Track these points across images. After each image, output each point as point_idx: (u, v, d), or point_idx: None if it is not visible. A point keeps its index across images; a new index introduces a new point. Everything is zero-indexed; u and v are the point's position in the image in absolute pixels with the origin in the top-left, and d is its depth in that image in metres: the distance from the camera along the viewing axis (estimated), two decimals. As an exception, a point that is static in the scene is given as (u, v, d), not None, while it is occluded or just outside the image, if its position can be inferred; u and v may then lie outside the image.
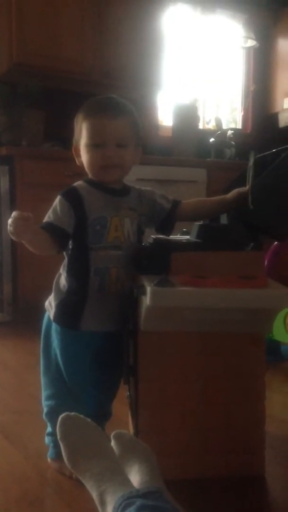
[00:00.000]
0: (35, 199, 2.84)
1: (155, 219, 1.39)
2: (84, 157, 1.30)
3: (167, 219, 1.39)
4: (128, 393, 1.37)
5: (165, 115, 3.91)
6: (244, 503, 1.25)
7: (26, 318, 2.74)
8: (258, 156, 1.42)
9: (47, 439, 1.40)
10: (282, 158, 1.33)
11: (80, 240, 1.27)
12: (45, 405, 1.39)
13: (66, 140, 3.13)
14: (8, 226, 1.15)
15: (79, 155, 1.32)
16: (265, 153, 1.43)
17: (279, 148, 1.41)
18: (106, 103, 1.30)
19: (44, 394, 1.39)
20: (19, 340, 2.54)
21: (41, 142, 3.13)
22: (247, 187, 1.32)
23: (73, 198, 1.27)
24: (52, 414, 1.33)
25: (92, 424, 1.15)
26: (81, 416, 1.15)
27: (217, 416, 1.32)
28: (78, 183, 1.33)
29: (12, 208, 2.82)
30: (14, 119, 3.08)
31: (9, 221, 1.15)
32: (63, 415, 1.15)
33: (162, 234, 1.41)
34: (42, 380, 1.40)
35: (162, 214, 1.38)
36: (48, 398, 1.38)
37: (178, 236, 1.46)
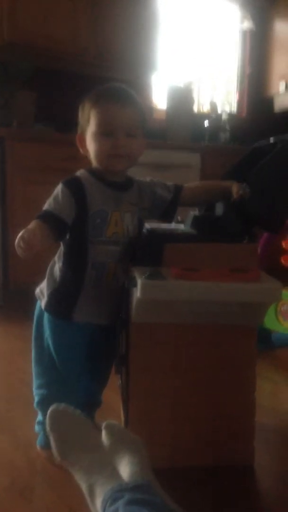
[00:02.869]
0: (25, 181, 2.81)
1: (156, 211, 1.37)
2: (91, 145, 1.27)
3: (168, 208, 1.38)
4: (120, 382, 1.37)
5: (159, 98, 3.85)
6: (232, 492, 1.26)
7: (17, 303, 2.73)
8: (255, 145, 1.40)
9: (37, 427, 1.40)
10: (278, 148, 1.31)
11: (80, 232, 1.25)
12: (36, 393, 1.38)
13: (57, 121, 3.11)
14: (17, 247, 1.14)
15: (83, 144, 1.30)
16: (262, 143, 1.42)
17: (275, 138, 1.39)
18: (116, 92, 1.28)
19: (36, 383, 1.39)
20: (10, 325, 2.53)
21: (33, 123, 3.08)
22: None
23: (75, 189, 1.25)
24: (44, 403, 1.32)
25: (81, 416, 1.15)
26: (70, 408, 1.15)
27: (207, 407, 1.33)
28: (81, 172, 1.30)
29: (2, 191, 2.78)
30: (5, 99, 3.02)
31: (18, 242, 1.14)
32: (52, 407, 1.14)
33: (163, 222, 1.40)
34: (34, 369, 1.39)
35: (163, 205, 1.37)
36: (40, 387, 1.37)
37: (173, 225, 1.45)
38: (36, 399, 1.38)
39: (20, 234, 1.15)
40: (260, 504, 1.25)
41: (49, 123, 3.12)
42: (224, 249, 1.24)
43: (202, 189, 1.43)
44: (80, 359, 1.31)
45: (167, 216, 1.39)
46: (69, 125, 2.93)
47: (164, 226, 1.43)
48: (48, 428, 1.13)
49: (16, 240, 1.15)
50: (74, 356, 1.31)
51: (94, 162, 1.29)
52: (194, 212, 1.42)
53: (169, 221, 1.41)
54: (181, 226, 1.42)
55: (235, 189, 1.30)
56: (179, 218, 1.46)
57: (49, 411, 1.15)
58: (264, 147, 1.40)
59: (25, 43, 2.94)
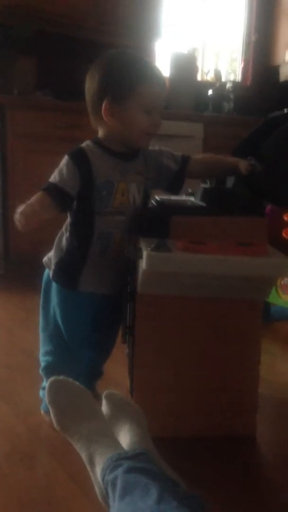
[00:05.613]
0: (26, 150, 2.77)
1: (162, 181, 1.36)
2: (126, 118, 1.23)
3: (174, 180, 1.36)
4: (127, 351, 1.39)
5: (162, 65, 3.77)
6: (232, 461, 1.28)
7: (18, 272, 2.73)
8: (270, 116, 1.37)
9: (41, 393, 1.43)
10: None
11: (86, 203, 1.25)
12: (42, 360, 1.41)
13: (58, 89, 3.05)
14: (16, 221, 1.19)
15: (112, 113, 1.23)
16: (276, 114, 1.39)
17: None
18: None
19: (42, 349, 1.41)
20: (11, 295, 2.54)
21: (33, 90, 3.03)
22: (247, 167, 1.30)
23: (80, 161, 1.24)
24: (49, 370, 1.36)
25: (81, 387, 1.16)
26: (70, 379, 1.16)
27: (211, 379, 1.34)
28: (86, 143, 1.28)
29: (2, 160, 2.75)
30: (5, 65, 2.95)
31: (18, 217, 1.19)
32: (51, 379, 1.16)
33: (170, 193, 1.40)
34: (41, 336, 1.41)
35: (169, 176, 1.35)
36: (46, 354, 1.40)
37: (183, 197, 1.44)
38: (41, 365, 1.41)
39: (20, 208, 1.18)
40: (258, 473, 1.27)
41: (50, 91, 3.06)
42: (232, 222, 1.23)
43: (209, 162, 1.41)
44: (85, 328, 1.33)
45: (174, 187, 1.37)
46: (70, 93, 2.89)
47: (174, 198, 1.42)
48: (47, 400, 1.14)
49: (17, 215, 1.18)
50: (80, 326, 1.33)
51: (118, 134, 1.26)
52: (204, 184, 1.40)
53: (176, 193, 1.39)
54: (192, 199, 1.41)
55: (243, 166, 1.29)
56: (189, 190, 1.45)
57: (48, 383, 1.16)
58: (277, 118, 1.38)
59: (26, 5, 2.86)
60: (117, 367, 1.51)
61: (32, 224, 1.19)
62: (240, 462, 1.28)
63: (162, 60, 3.74)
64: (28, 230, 1.19)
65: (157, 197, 1.37)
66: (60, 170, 1.24)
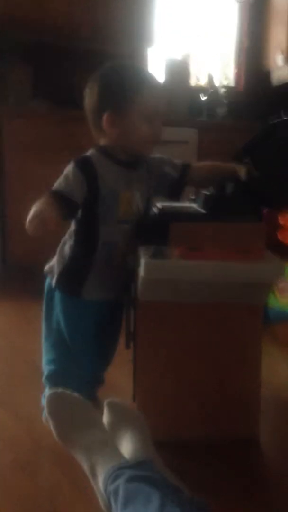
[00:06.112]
0: (22, 159, 2.78)
1: (163, 189, 1.38)
2: (130, 128, 1.24)
3: (175, 187, 1.38)
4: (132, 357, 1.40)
5: (156, 72, 3.79)
6: (234, 464, 1.29)
7: (16, 280, 2.73)
8: (270, 122, 1.39)
9: (43, 400, 1.42)
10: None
11: (91, 212, 1.25)
12: (45, 369, 1.41)
13: (54, 98, 3.05)
14: (30, 224, 1.14)
15: (113, 124, 1.24)
16: (276, 120, 1.41)
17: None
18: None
19: (44, 358, 1.41)
20: (9, 303, 2.54)
21: (29, 99, 3.04)
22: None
23: (87, 170, 1.23)
24: (52, 378, 1.36)
25: (79, 398, 1.16)
26: (68, 391, 1.17)
27: (213, 383, 1.35)
28: (91, 152, 1.29)
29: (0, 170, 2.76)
30: (0, 75, 2.96)
31: (32, 219, 1.14)
32: (50, 392, 1.16)
33: (171, 200, 1.41)
34: (43, 344, 1.41)
35: (170, 183, 1.37)
36: (49, 362, 1.40)
37: (186, 204, 1.45)
38: (44, 373, 1.41)
39: (34, 211, 1.15)
40: (259, 474, 1.27)
41: (46, 99, 3.07)
42: (230, 228, 1.25)
43: (209, 169, 1.43)
44: (89, 335, 1.34)
45: (175, 194, 1.39)
46: (66, 102, 2.89)
47: (175, 205, 1.43)
48: (47, 413, 1.15)
49: (30, 217, 1.14)
50: (84, 332, 1.34)
51: (121, 144, 1.26)
52: (205, 191, 1.42)
53: (177, 200, 1.41)
54: (194, 205, 1.43)
55: (242, 171, 1.30)
56: (192, 196, 1.46)
57: (47, 396, 1.17)
58: (277, 124, 1.39)
59: (19, 16, 2.88)
60: (118, 374, 1.51)
61: (47, 229, 1.15)
62: (241, 464, 1.29)
63: (156, 67, 3.77)
64: (39, 234, 1.16)
65: (158, 204, 1.39)
66: (66, 177, 1.23)
